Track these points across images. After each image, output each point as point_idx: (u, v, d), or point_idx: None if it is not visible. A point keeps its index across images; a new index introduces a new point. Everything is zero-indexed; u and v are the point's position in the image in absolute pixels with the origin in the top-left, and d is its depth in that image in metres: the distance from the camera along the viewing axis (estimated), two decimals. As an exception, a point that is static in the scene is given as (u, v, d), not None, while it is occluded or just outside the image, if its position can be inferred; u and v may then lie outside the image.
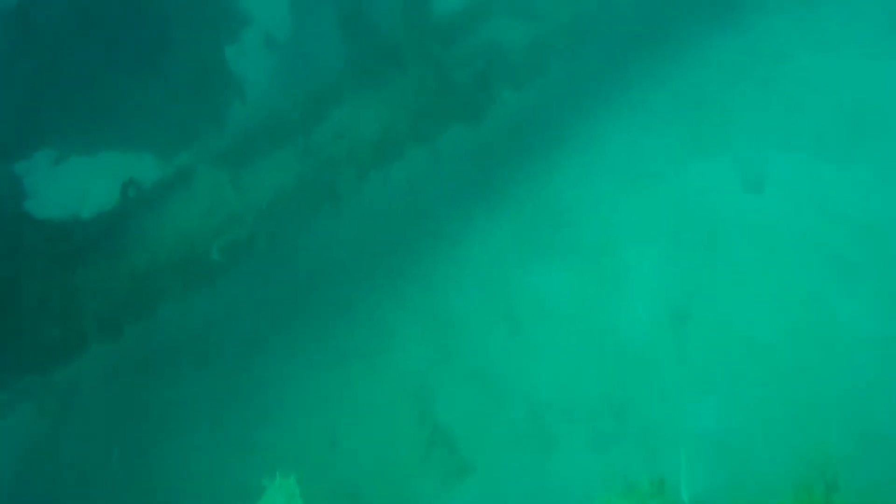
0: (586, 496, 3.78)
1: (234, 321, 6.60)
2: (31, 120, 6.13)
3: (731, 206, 6.43)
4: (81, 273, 5.17)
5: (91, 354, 5.37)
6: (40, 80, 5.99)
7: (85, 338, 5.20)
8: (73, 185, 7.69)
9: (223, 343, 6.47)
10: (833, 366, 5.41)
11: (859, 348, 5.44)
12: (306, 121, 6.42)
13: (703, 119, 7.14)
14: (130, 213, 5.89)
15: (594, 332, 5.99)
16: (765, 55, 7.60)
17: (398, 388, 6.10)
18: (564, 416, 5.67)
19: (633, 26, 7.10)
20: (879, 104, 6.84)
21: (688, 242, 6.28)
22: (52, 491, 5.88)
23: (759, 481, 4.83)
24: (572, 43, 6.66)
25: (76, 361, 5.34)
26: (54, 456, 6.10)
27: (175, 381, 6.27)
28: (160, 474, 5.88)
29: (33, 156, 6.22)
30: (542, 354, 6.01)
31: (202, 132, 6.62)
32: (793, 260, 5.97)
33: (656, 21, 7.33)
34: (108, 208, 5.97)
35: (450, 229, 6.91)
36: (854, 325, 5.58)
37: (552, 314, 6.17)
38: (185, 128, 6.57)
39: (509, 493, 5.29)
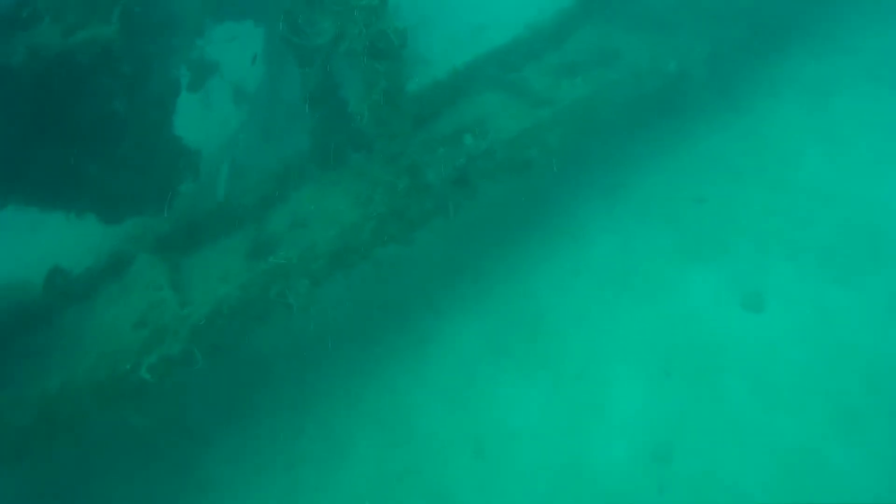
0: None
1: (169, 422, 5.95)
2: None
3: (727, 327, 5.84)
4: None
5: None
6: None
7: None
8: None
9: (157, 446, 5.83)
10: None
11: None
12: (261, 207, 5.80)
13: (702, 219, 6.52)
14: (52, 310, 5.27)
15: (566, 465, 5.40)
16: (773, 154, 6.95)
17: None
18: (528, 558, 5.12)
19: (634, 110, 6.40)
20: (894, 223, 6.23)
21: (677, 367, 5.69)
22: None
23: None
24: (567, 130, 5.98)
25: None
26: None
27: (102, 489, 5.64)
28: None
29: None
30: (507, 484, 5.42)
31: (147, 209, 5.96)
32: (790, 399, 5.40)
33: (659, 105, 6.63)
34: (29, 297, 5.36)
35: (417, 329, 6.30)
36: (850, 482, 5.02)
37: (521, 438, 5.58)
38: (130, 202, 5.90)
39: None
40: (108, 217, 6.04)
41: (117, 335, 4.98)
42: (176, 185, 5.80)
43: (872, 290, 5.90)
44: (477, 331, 6.21)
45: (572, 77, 6.54)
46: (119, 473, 5.78)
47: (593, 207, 6.78)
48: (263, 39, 7.33)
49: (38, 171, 5.63)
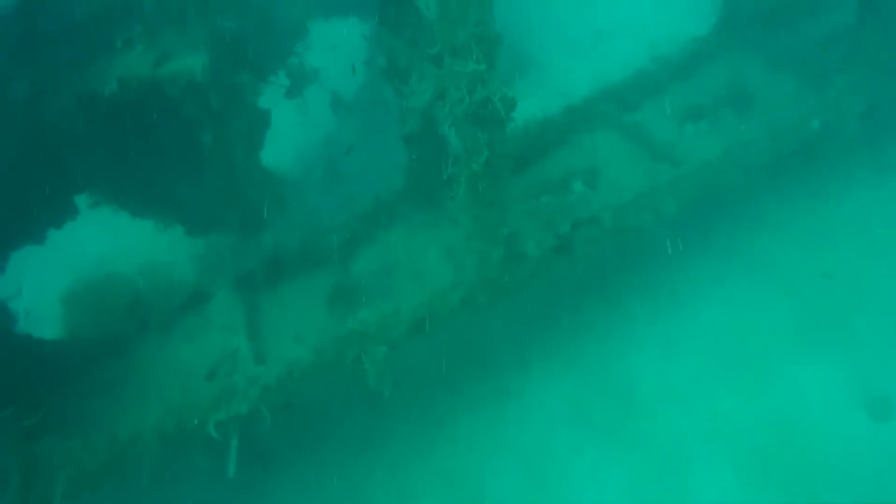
0: None
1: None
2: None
3: (843, 434, 5.19)
4: (50, 444, 4.47)
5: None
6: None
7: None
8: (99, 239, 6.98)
9: (218, 488, 5.73)
10: None
11: None
12: (347, 245, 5.50)
13: (827, 299, 5.76)
14: (129, 345, 5.19)
15: (640, 567, 5.02)
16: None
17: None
18: None
19: (764, 167, 5.64)
20: None
21: (777, 472, 5.12)
22: None
23: None
24: (688, 196, 5.37)
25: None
26: None
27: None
28: None
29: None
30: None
31: (231, 231, 5.78)
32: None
33: (793, 159, 5.77)
34: (112, 329, 5.29)
35: (500, 381, 5.95)
36: None
37: (595, 528, 5.20)
38: (216, 223, 5.73)
39: None
40: (193, 230, 5.93)
41: (188, 385, 4.84)
42: (261, 217, 5.58)
43: None
44: (563, 393, 5.81)
45: (698, 123, 5.88)
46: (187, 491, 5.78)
47: (703, 270, 6.13)
48: (366, 48, 6.91)
49: (131, 183, 5.54)
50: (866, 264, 5.92)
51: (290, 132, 6.62)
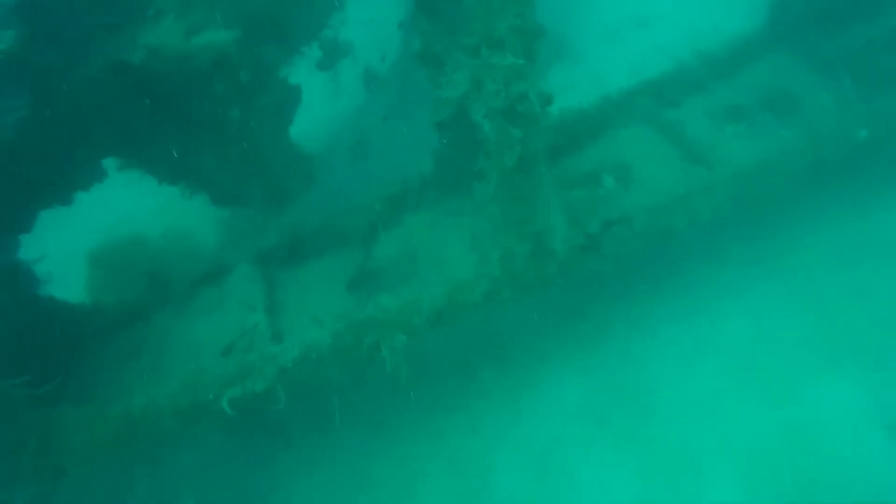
0: None
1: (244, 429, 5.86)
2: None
3: (859, 453, 5.09)
4: (65, 411, 4.50)
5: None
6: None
7: (62, 470, 4.62)
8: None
9: (229, 458, 5.79)
10: None
11: None
12: (369, 229, 5.44)
13: (856, 314, 5.60)
14: (148, 314, 5.19)
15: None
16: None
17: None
18: None
19: (802, 175, 5.46)
20: None
21: (787, 491, 5.03)
22: None
23: None
24: (723, 201, 5.23)
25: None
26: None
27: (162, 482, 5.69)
28: None
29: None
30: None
31: (255, 205, 5.75)
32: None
33: (830, 167, 5.59)
34: (130, 298, 5.30)
35: (516, 371, 5.91)
36: None
37: (601, 528, 5.17)
38: (241, 196, 5.70)
39: None
40: (217, 199, 5.91)
41: (204, 359, 4.85)
42: (287, 192, 5.54)
43: None
44: (578, 388, 5.76)
45: (738, 124, 5.71)
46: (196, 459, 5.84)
47: (729, 278, 5.99)
48: (399, 27, 6.77)
49: (158, 150, 5.50)
50: (898, 282, 5.76)
51: (320, 105, 6.48)
